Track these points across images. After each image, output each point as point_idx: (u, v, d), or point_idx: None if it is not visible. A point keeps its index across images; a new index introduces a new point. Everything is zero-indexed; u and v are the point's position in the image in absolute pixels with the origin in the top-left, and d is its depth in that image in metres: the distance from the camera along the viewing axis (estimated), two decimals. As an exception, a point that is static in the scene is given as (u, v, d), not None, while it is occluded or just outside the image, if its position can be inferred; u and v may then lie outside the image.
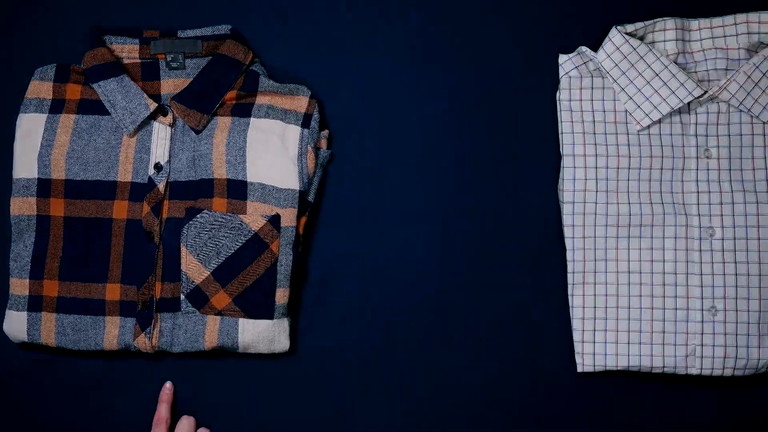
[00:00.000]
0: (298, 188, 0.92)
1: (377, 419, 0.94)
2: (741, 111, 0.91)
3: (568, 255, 0.92)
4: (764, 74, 0.90)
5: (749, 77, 0.89)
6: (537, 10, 0.96)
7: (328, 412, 0.94)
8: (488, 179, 0.95)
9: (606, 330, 0.92)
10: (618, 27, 0.91)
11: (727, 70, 0.91)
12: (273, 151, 0.92)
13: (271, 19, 0.97)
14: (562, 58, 0.93)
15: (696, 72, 0.92)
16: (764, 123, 0.91)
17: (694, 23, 0.92)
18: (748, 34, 0.92)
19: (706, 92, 0.90)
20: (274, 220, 0.91)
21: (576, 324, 0.92)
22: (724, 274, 0.90)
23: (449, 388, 0.94)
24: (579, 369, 0.92)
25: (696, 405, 0.93)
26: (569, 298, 0.92)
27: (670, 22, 0.91)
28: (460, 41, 0.96)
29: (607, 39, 0.91)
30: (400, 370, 0.94)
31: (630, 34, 0.91)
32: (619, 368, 0.91)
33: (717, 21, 0.92)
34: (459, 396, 0.94)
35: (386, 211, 0.95)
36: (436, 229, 0.95)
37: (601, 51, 0.92)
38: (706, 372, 0.90)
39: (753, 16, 0.91)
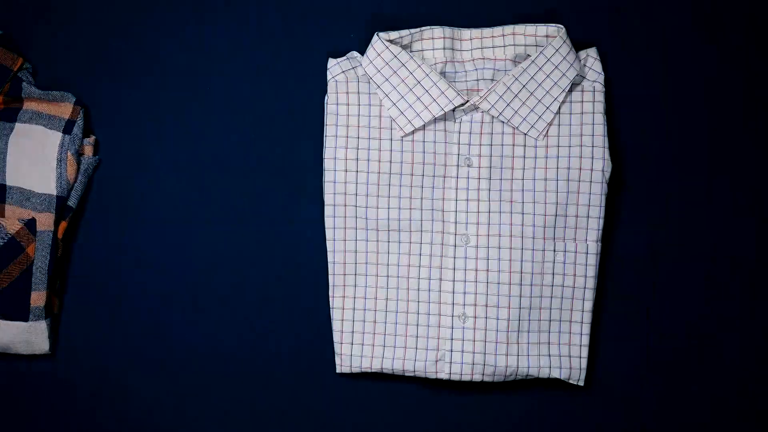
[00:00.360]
0: (55, 193, 0.93)
1: (137, 419, 0.96)
2: (502, 121, 0.92)
3: (329, 257, 0.93)
4: (524, 86, 0.91)
5: (509, 88, 0.90)
6: (312, 8, 0.97)
7: (88, 414, 0.96)
8: (259, 182, 0.96)
9: (364, 332, 0.93)
10: (380, 33, 0.92)
11: (493, 80, 0.92)
12: (33, 156, 0.93)
13: (43, 24, 0.97)
14: (331, 62, 0.94)
15: (466, 81, 0.93)
16: (525, 134, 0.92)
17: (466, 33, 0.93)
18: (514, 45, 0.93)
19: (467, 101, 0.91)
20: (30, 224, 0.92)
21: (336, 325, 0.93)
22: (476, 282, 0.91)
23: (213, 389, 0.96)
24: (338, 370, 0.94)
25: (449, 408, 0.95)
26: (330, 300, 0.93)
27: (438, 31, 0.92)
28: (232, 41, 0.97)
29: (369, 45, 0.92)
30: (164, 372, 0.96)
31: (394, 42, 0.92)
32: (373, 370, 0.93)
33: (487, 31, 0.93)
34: (224, 395, 0.96)
35: (152, 215, 0.96)
36: (204, 231, 0.96)
37: (364, 57, 0.93)
38: (455, 377, 0.91)
39: (519, 28, 0.92)
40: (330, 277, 0.93)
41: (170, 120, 0.96)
